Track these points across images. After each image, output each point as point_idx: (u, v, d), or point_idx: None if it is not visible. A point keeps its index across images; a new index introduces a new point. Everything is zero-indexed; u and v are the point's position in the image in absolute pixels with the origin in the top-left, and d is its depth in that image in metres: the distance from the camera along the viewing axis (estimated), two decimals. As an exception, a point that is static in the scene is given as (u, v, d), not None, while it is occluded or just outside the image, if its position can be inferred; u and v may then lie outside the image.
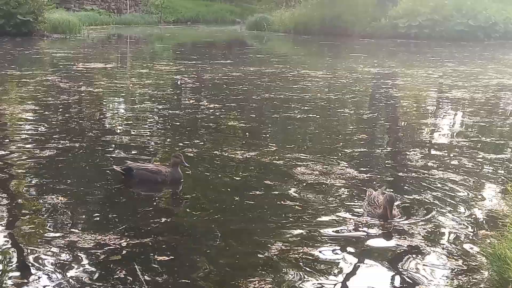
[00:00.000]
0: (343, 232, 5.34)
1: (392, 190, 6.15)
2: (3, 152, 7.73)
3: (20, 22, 27.43)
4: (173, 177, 6.56)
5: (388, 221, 5.53)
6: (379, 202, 5.70)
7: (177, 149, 8.16)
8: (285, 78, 16.06)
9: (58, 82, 14.23)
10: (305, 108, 11.58)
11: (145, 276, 4.39)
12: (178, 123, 10.02)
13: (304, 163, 7.45)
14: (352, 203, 6.10)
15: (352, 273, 4.59)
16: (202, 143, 8.56)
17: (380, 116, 11.29)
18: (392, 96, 13.74)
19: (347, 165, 7.40)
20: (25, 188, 6.38)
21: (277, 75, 16.64)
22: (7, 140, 8.50)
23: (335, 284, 4.41)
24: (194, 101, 12.52)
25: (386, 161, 7.95)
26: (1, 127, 9.44)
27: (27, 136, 8.81)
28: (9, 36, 26.64)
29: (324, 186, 6.60)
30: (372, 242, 5.16)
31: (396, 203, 5.68)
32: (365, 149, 8.44)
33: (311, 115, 10.90)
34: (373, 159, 8.05)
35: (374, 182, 6.81)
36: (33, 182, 6.57)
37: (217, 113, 10.87)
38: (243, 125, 9.95)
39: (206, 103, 11.96)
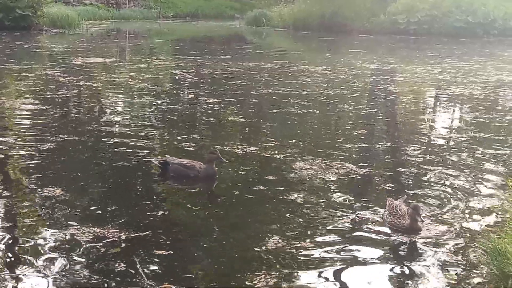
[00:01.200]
0: (342, 226, 5.33)
1: (414, 201, 5.76)
2: (2, 146, 7.72)
3: (19, 16, 27.36)
4: (207, 173, 6.61)
5: (416, 232, 5.18)
6: (402, 212, 5.32)
7: (175, 143, 8.15)
8: (284, 74, 16.04)
9: (57, 76, 14.19)
10: (305, 103, 11.56)
11: (145, 269, 4.38)
12: (177, 118, 10.00)
13: (303, 158, 7.44)
14: (351, 198, 6.09)
15: (351, 266, 4.59)
16: (201, 137, 8.55)
17: (379, 112, 11.28)
18: (391, 92, 13.73)
19: (346, 160, 7.40)
20: (24, 181, 6.36)
21: (277, 71, 16.62)
22: (7, 134, 8.48)
23: (335, 278, 4.41)
24: (193, 96, 12.50)
25: (386, 157, 7.94)
26: (0, 121, 9.42)
27: (26, 129, 8.80)
28: (7, 30, 26.57)
29: (323, 181, 6.59)
30: (370, 237, 5.16)
31: (422, 215, 5.29)
32: (364, 145, 8.44)
33: (310, 111, 10.89)
34: (373, 154, 8.04)
35: (375, 177, 6.81)
36: (32, 175, 6.55)
37: (216, 108, 10.85)
38: (243, 120, 9.93)
39: (205, 98, 11.94)
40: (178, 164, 6.69)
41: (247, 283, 4.24)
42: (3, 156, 7.29)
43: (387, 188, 6.49)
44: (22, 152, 7.45)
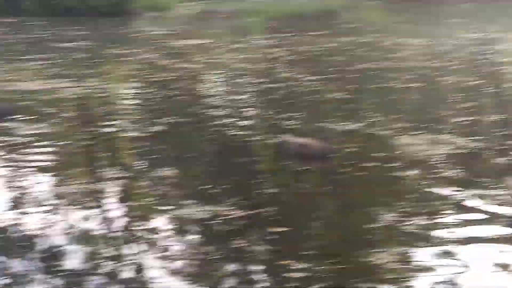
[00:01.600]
0: (457, 203, 5.17)
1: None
2: (111, 129, 8.01)
3: (114, 1, 28.11)
4: (322, 152, 6.61)
5: None
6: None
7: (276, 122, 8.15)
8: (381, 48, 15.68)
9: (157, 59, 14.56)
10: (406, 77, 11.25)
11: (261, 246, 4.42)
12: (276, 96, 10.02)
13: (409, 134, 7.27)
14: (462, 174, 5.90)
15: (468, 244, 4.43)
16: (301, 115, 8.51)
17: (487, 83, 10.81)
18: (497, 62, 13.11)
19: (455, 134, 7.16)
20: (134, 163, 6.58)
21: (373, 45, 16.27)
22: (114, 117, 8.78)
23: (452, 256, 4.28)
24: (290, 73, 12.46)
25: (496, 129, 7.61)
26: (107, 104, 9.77)
27: (133, 112, 9.09)
28: (103, 16, 27.28)
29: (432, 156, 6.41)
30: (486, 214, 4.95)
31: None
32: (473, 118, 8.12)
33: (412, 84, 10.59)
34: (483, 127, 7.73)
35: (486, 151, 6.56)
36: (142, 156, 6.76)
37: (314, 85, 10.77)
38: (342, 96, 9.81)
39: (303, 75, 11.86)
40: (296, 143, 6.71)
41: (363, 259, 4.21)
42: (112, 138, 7.57)
43: (500, 162, 6.23)
44: (131, 135, 7.70)
